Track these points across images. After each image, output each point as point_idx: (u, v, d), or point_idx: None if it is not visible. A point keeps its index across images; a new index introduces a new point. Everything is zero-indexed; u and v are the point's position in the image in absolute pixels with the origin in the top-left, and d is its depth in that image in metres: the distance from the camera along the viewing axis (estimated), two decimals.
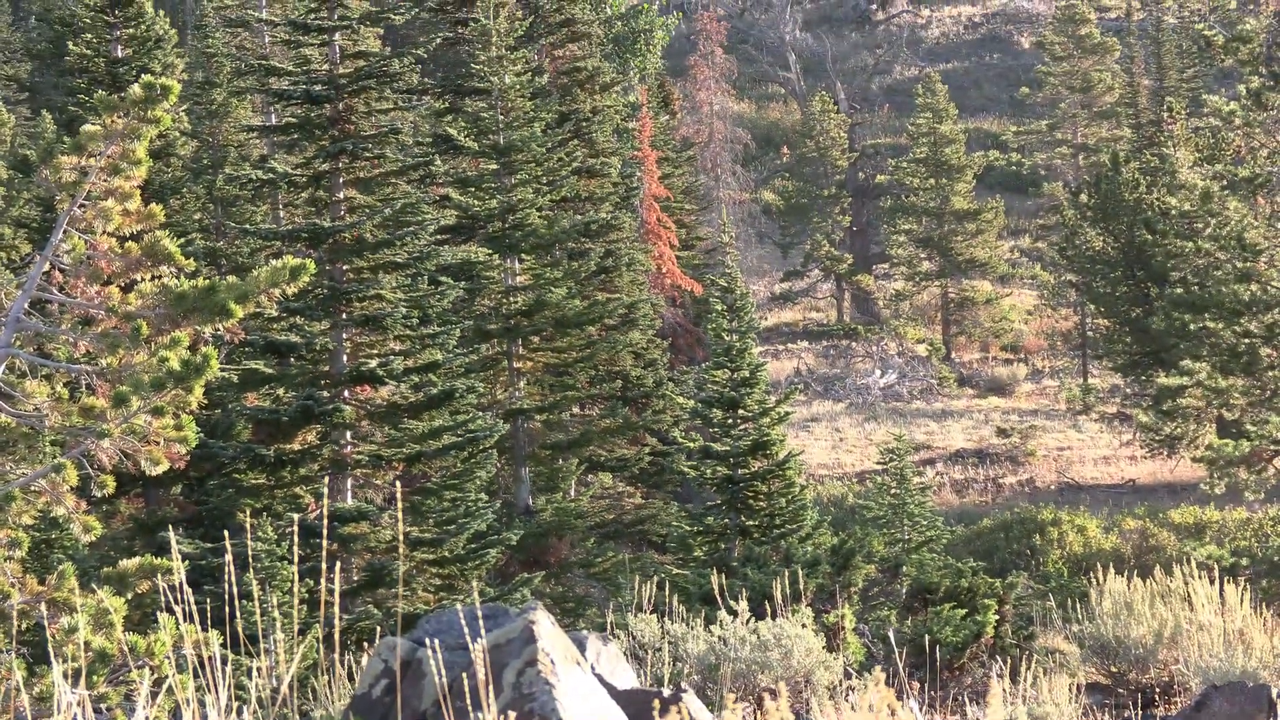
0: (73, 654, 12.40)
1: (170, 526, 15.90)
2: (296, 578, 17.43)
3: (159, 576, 13.97)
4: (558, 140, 39.52)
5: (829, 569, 26.42)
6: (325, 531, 18.93)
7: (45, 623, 13.58)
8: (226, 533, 14.40)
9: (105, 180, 15.30)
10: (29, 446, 17.05)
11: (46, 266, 15.32)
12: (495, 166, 36.60)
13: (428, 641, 7.22)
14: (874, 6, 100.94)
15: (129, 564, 14.66)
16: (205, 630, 9.37)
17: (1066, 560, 37.30)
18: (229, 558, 11.70)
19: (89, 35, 39.72)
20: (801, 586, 17.68)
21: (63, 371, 15.64)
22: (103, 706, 10.90)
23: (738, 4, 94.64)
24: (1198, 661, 20.41)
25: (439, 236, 32.24)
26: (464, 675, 6.85)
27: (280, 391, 27.90)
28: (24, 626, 13.63)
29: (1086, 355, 62.29)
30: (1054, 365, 66.92)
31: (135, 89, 15.10)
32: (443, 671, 6.95)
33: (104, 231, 15.29)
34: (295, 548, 19.16)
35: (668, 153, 58.26)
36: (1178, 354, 43.41)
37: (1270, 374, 38.02)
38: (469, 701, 6.78)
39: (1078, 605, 24.52)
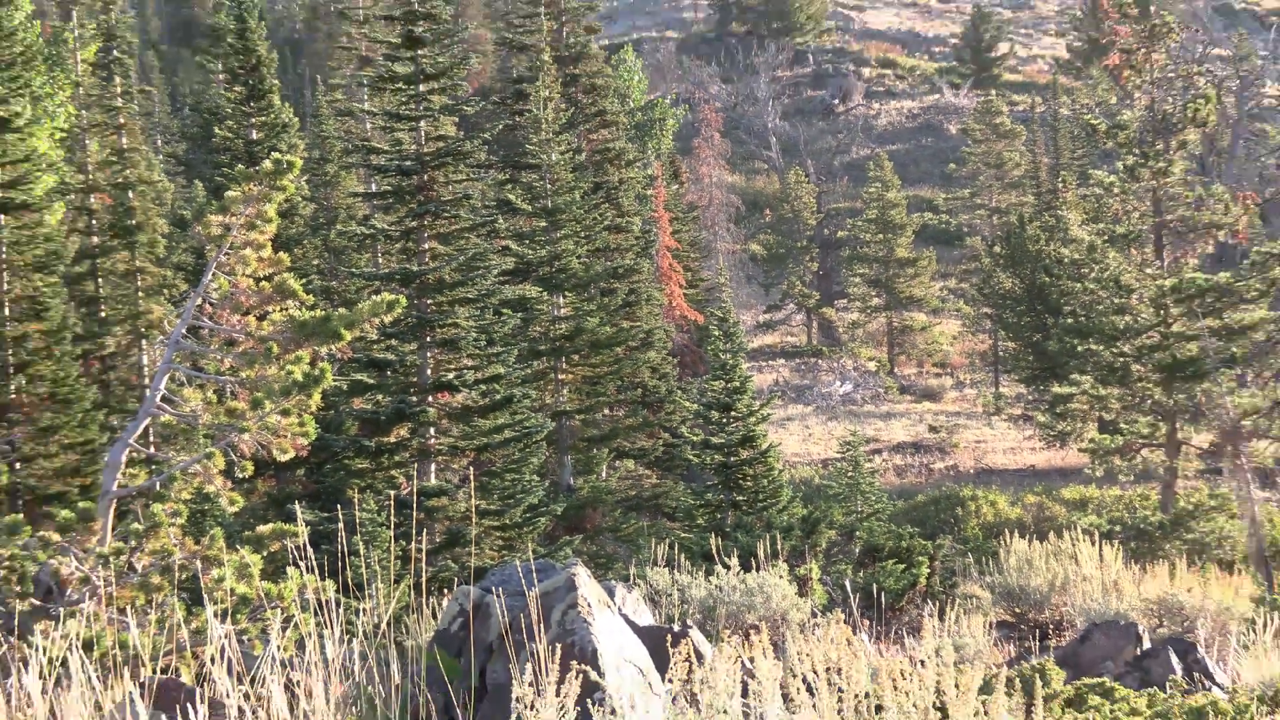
0: (221, 598, 12.66)
1: (295, 501, 16.68)
2: (392, 539, 17.56)
3: (287, 539, 14.39)
4: (592, 204, 39.48)
5: (800, 533, 26.53)
6: (414, 504, 18.88)
7: (200, 574, 13.62)
8: (338, 505, 14.36)
9: (244, 234, 15.68)
10: (187, 439, 17.28)
11: (199, 301, 15.83)
12: (544, 224, 36.67)
13: (493, 589, 7.25)
14: (836, 102, 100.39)
15: (264, 529, 14.97)
16: (322, 580, 9.50)
17: (981, 527, 37.21)
18: (340, 524, 11.03)
19: (231, 122, 39.93)
20: (779, 547, 17.74)
21: (212, 382, 15.98)
22: (244, 639, 10.97)
23: (731, 99, 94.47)
24: (1082, 604, 20.85)
25: (501, 278, 32.15)
26: (521, 615, 7.00)
27: (379, 397, 27.79)
28: (184, 577, 13.79)
29: (998, 370, 62.28)
30: (973, 378, 66.89)
31: (267, 164, 15.71)
32: (505, 612, 7.12)
33: (243, 274, 15.67)
34: (391, 516, 19.42)
35: (677, 213, 57.80)
36: (1068, 369, 43.54)
37: (1139, 385, 38.27)
38: (525, 635, 6.82)
39: (990, 561, 24.81)
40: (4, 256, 24.60)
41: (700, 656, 7.17)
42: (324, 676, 7.11)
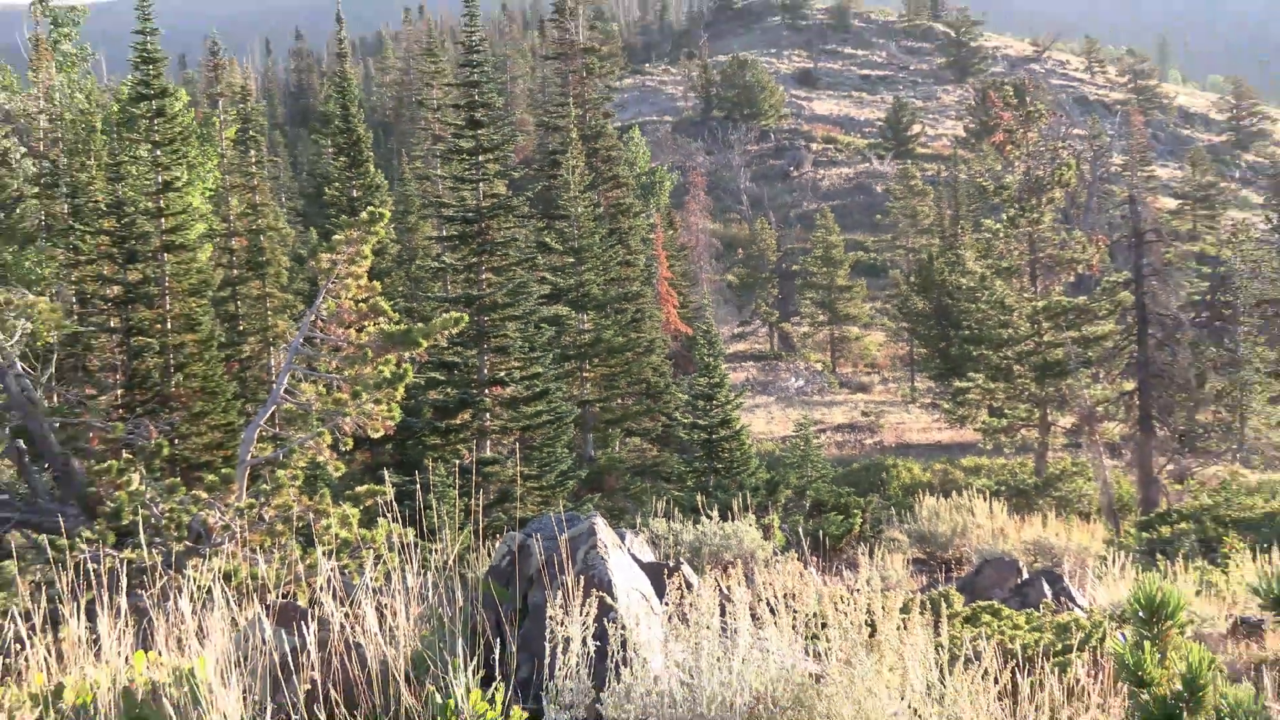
0: (328, 541, 12.88)
1: (384, 468, 16.79)
2: (457, 497, 17.50)
3: (377, 496, 14.21)
4: (609, 245, 39.16)
5: (764, 492, 26.61)
6: (474, 470, 18.97)
7: (312, 523, 13.74)
8: (416, 471, 14.06)
9: (346, 267, 15.74)
10: (303, 421, 17.02)
11: (313, 318, 15.92)
12: (572, 260, 36.35)
13: (533, 534, 7.06)
14: (792, 168, 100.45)
15: (360, 489, 14.75)
16: (404, 527, 9.73)
17: (901, 488, 36.74)
18: (418, 486, 10.90)
19: (337, 183, 40.59)
20: (748, 503, 17.60)
21: (322, 378, 15.90)
22: (344, 572, 10.92)
23: (712, 166, 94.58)
24: (976, 545, 21.19)
25: (540, 300, 32.06)
26: (554, 554, 6.71)
27: (448, 390, 27.42)
28: (300, 525, 13.80)
29: (913, 369, 61.95)
30: (895, 375, 66.64)
31: (364, 215, 15.72)
32: (542, 552, 6.78)
33: (345, 297, 15.75)
34: (456, 480, 19.36)
35: (672, 252, 57.53)
36: (966, 369, 43.62)
37: (1019, 381, 38.48)
38: (557, 569, 6.48)
39: (908, 514, 24.71)
40: (166, 284, 24.65)
41: (689, 585, 6.89)
42: (405, 600, 6.91)
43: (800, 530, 18.60)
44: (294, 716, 5.80)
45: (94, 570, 9.24)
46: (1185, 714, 4.04)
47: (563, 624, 5.76)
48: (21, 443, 15.67)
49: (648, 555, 7.84)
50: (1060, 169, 39.64)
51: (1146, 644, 4.14)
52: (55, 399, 16.32)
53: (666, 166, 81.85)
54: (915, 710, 5.44)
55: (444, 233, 32.77)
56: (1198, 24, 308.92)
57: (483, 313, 27.94)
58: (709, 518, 16.51)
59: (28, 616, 7.10)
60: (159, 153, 27.07)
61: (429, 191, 48.45)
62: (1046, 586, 14.07)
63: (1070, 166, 40.81)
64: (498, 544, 7.16)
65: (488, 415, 28.37)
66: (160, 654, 6.63)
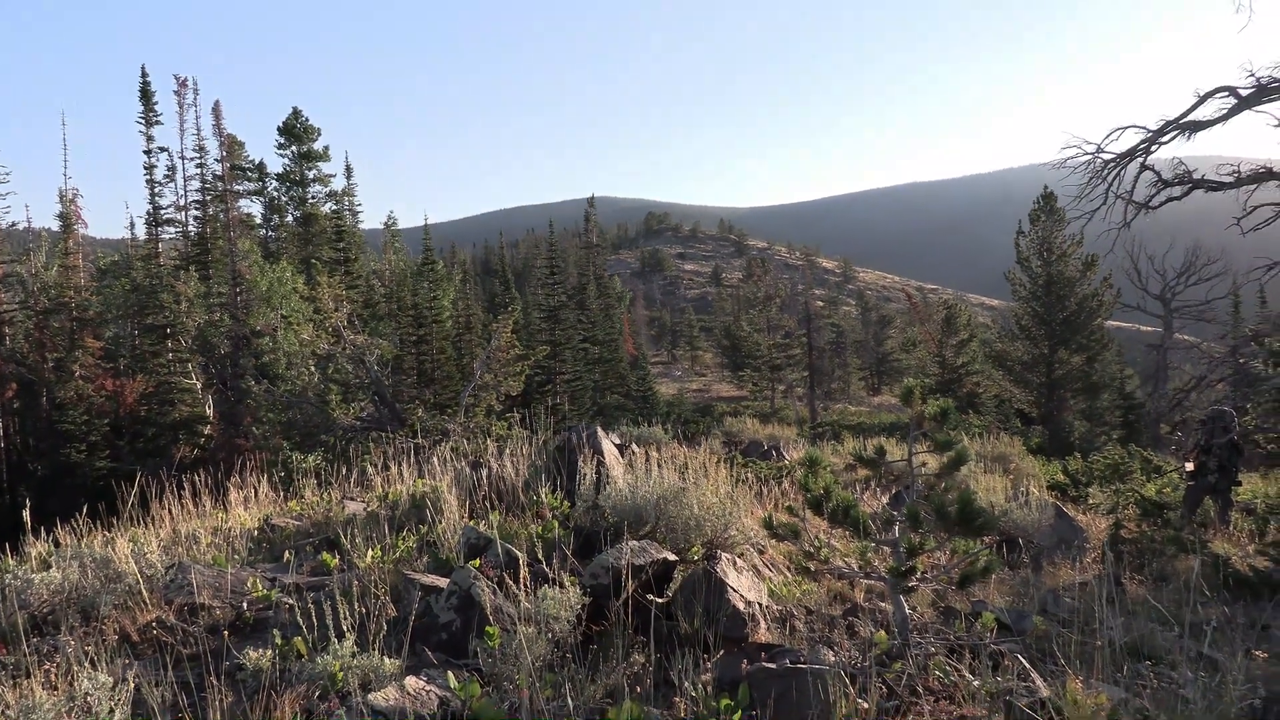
0: (494, 434, 11.94)
1: (516, 409, 15.85)
2: (545, 419, 14.73)
3: (514, 417, 13.55)
4: (605, 319, 41.13)
5: (665, 414, 26.10)
6: (551, 409, 21.75)
7: (489, 428, 13.31)
8: (529, 408, 15.36)
9: (501, 331, 17.07)
10: (484, 389, 16.70)
11: (490, 345, 17.03)
12: (590, 325, 37.05)
13: (572, 431, 7.06)
14: (675, 290, 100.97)
15: (508, 416, 14.22)
16: (525, 429, 10.54)
17: (719, 414, 35.06)
18: (530, 415, 11.90)
19: (497, 296, 42.19)
20: (659, 421, 15.66)
21: (491, 377, 16.55)
22: (499, 445, 8.84)
23: (645, 289, 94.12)
24: (749, 437, 20.48)
25: (580, 341, 33.00)
26: (580, 439, 6.81)
27: (541, 375, 27.97)
28: (489, 426, 13.61)
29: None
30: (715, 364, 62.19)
31: (508, 310, 16.67)
32: (576, 438, 6.82)
33: (501, 340, 16.87)
34: (547, 415, 15.00)
35: (631, 323, 59.55)
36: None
37: (776, 372, 41.93)
38: (581, 445, 6.67)
39: (720, 426, 24.42)
40: (432, 333, 23.81)
41: (634, 452, 7.22)
42: (522, 455, 7.25)
43: (679, 432, 15.14)
44: (477, 504, 6.49)
45: (402, 448, 9.69)
46: (826, 503, 4.65)
47: (581, 467, 6.01)
48: (376, 395, 16.17)
49: (616, 440, 8.02)
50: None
51: (809, 474, 4.77)
52: (389, 379, 16.47)
53: (629, 291, 79.89)
54: (721, 499, 5.56)
55: (543, 315, 32.70)
56: None
57: (555, 347, 28.90)
58: (641, 427, 14.48)
59: (378, 466, 8.50)
60: (421, 290, 26.09)
61: (542, 305, 39.09)
62: (774, 452, 14.15)
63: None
64: (558, 435, 7.49)
65: (557, 387, 29.01)
66: (425, 479, 7.07)
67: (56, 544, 6.00)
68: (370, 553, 5.34)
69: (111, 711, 3.55)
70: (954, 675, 4.08)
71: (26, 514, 6.16)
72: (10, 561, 5.84)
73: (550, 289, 32.60)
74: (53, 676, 3.90)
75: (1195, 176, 10.12)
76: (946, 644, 4.46)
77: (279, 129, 35.01)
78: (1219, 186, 9.89)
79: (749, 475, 8.38)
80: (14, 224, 20.52)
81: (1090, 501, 10.40)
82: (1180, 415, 17.60)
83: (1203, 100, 9.61)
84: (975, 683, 3.96)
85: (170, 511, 6.73)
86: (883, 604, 5.33)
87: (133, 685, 3.72)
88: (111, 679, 3.67)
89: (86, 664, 3.85)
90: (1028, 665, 4.15)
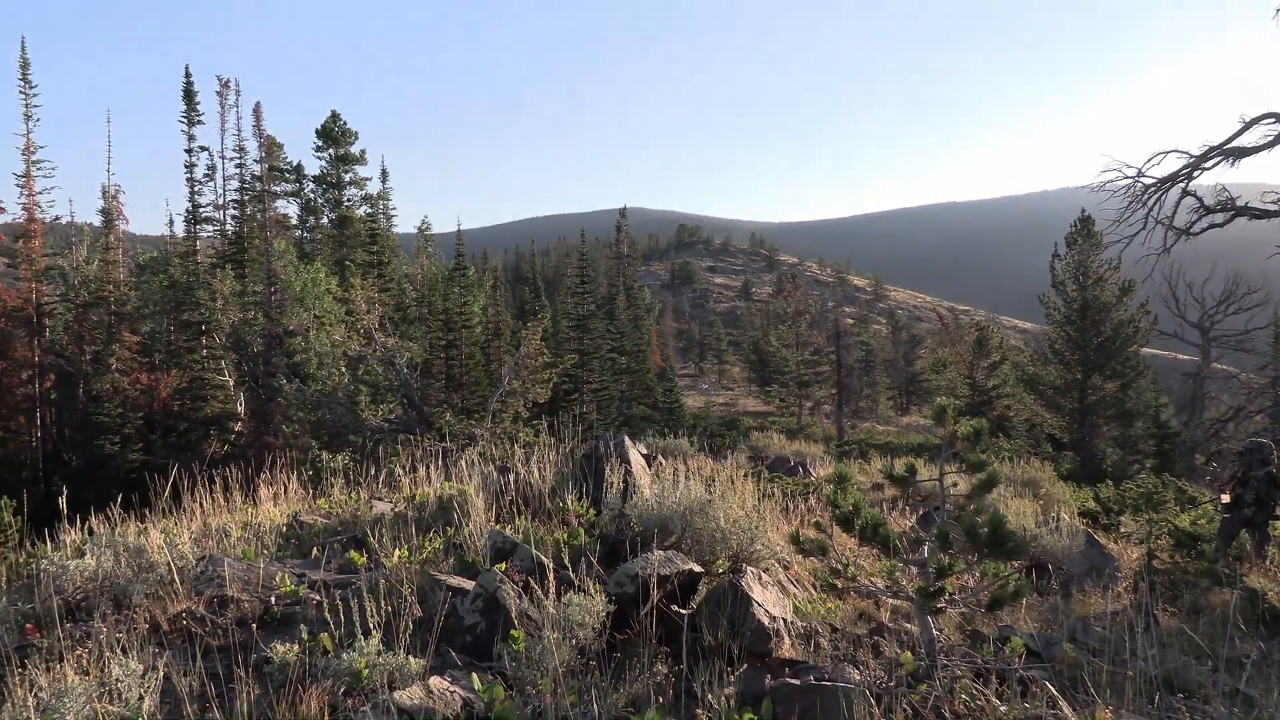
0: (520, 441, 12.34)
1: (544, 415, 17.39)
2: (573, 426, 16.02)
3: (540, 426, 13.39)
4: (635, 332, 40.88)
5: (690, 429, 26.44)
6: (579, 416, 20.82)
7: (515, 435, 13.44)
8: (557, 415, 15.91)
9: (529, 339, 16.88)
10: (512, 395, 16.44)
11: (519, 353, 16.77)
12: (619, 336, 37.03)
13: (599, 440, 7.03)
14: (705, 304, 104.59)
15: (535, 423, 15.54)
16: (552, 435, 10.09)
17: (744, 429, 34.05)
18: (556, 421, 12.00)
19: (528, 304, 40.62)
20: (685, 432, 14.97)
21: (518, 383, 16.34)
22: (527, 451, 8.73)
23: (674, 301, 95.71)
24: (774, 452, 20.88)
25: (608, 352, 33.74)
26: (607, 448, 6.77)
27: (569, 385, 29.15)
28: (515, 432, 13.86)
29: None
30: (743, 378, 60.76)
31: (533, 322, 16.77)
32: (604, 447, 6.78)
33: (529, 350, 16.65)
34: (575, 419, 18.08)
35: (660, 334, 60.51)
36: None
37: (804, 389, 44.89)
38: (608, 454, 6.62)
39: (746, 441, 24.62)
40: (462, 338, 24.56)
41: (661, 463, 7.42)
42: (549, 462, 7.24)
43: (705, 444, 16.63)
44: (504, 509, 6.51)
45: (430, 450, 9.83)
46: (855, 520, 4.61)
47: (609, 477, 6.02)
48: (405, 398, 16.19)
49: (644, 451, 8.20)
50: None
51: (838, 490, 4.73)
52: (417, 382, 16.64)
53: (658, 303, 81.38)
54: (748, 512, 5.59)
55: (572, 325, 33.60)
56: None
57: (583, 356, 30.19)
58: (668, 438, 14.78)
59: (405, 468, 8.61)
60: (452, 295, 26.93)
61: (570, 314, 41.18)
62: (801, 468, 14.59)
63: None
64: (586, 443, 7.61)
65: (584, 396, 30.14)
66: (453, 482, 7.17)
67: (91, 533, 6.12)
68: (397, 552, 5.40)
69: (141, 698, 3.62)
70: (981, 700, 4.05)
71: (63, 502, 6.26)
72: (46, 548, 5.95)
73: (580, 298, 32.99)
74: (85, 662, 3.98)
75: (1239, 204, 9.95)
76: (974, 668, 4.41)
77: (317, 131, 35.45)
78: (1264, 215, 9.74)
79: (775, 490, 8.42)
80: (57, 218, 20.81)
81: (1122, 530, 10.33)
82: (1216, 446, 17.34)
83: (1248, 126, 9.49)
84: (1002, 708, 3.93)
85: (201, 505, 6.82)
86: (908, 625, 5.30)
87: (162, 674, 3.78)
88: (141, 666, 3.74)
89: (118, 651, 3.93)
90: (1056, 693, 4.11)
